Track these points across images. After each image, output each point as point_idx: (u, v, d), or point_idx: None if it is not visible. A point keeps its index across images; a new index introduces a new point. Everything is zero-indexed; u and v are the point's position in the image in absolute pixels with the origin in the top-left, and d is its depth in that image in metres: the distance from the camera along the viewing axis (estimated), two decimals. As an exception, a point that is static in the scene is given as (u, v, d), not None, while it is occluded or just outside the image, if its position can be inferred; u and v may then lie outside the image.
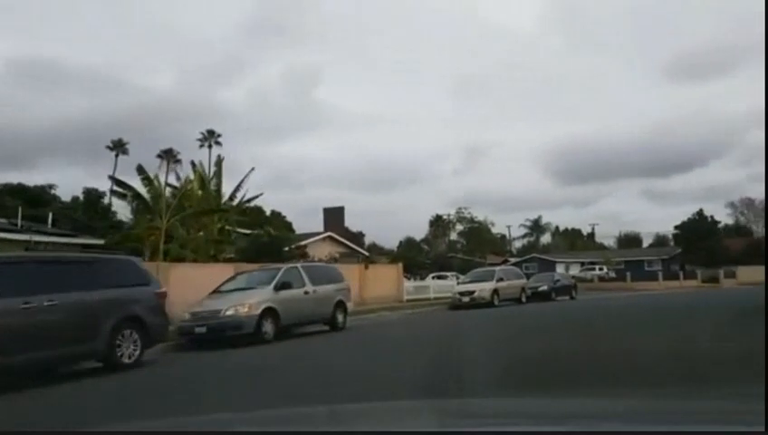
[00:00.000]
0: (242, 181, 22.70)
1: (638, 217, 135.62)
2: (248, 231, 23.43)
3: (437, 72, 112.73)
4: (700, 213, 59.80)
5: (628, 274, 50.17)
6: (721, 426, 1.67)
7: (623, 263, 60.55)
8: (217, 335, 11.62)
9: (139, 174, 21.04)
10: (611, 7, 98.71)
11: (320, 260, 25.93)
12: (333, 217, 36.90)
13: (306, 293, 13.39)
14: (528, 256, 64.25)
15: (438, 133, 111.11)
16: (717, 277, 49.72)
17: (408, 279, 40.42)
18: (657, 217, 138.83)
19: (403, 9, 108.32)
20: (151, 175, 21.41)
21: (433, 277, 41.44)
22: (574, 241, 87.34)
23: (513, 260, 66.37)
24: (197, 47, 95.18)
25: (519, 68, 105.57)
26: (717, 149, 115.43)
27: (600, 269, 55.94)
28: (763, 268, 55.97)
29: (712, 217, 60.33)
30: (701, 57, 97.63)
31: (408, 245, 75.38)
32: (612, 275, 54.90)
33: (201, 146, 63.48)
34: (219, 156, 23.15)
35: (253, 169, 22.44)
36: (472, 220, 55.83)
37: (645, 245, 78.24)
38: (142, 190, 20.99)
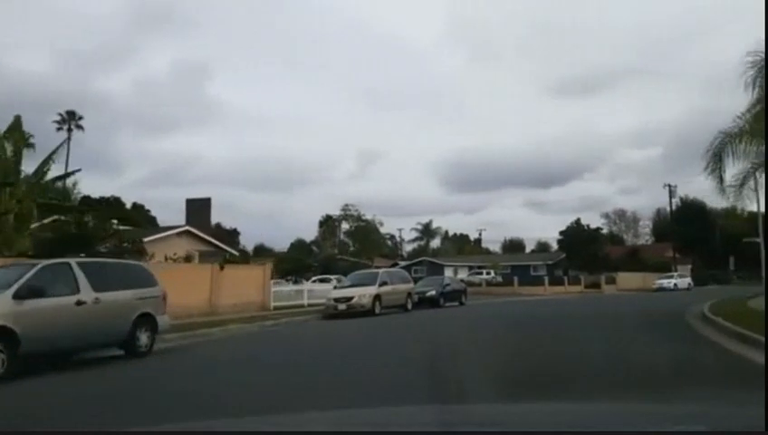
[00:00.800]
0: (53, 154, 17.34)
1: (520, 225, 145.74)
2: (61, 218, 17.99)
3: (336, 78, 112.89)
4: (578, 222, 61.23)
5: (516, 278, 49.16)
6: (721, 427, 1.68)
7: (509, 267, 60.15)
8: None
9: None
10: (504, 27, 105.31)
11: (168, 260, 21.00)
12: (197, 209, 31.61)
13: (81, 303, 8.84)
14: (418, 260, 62.16)
15: (334, 137, 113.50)
16: (600, 283, 50.14)
17: (290, 283, 36.26)
18: (537, 225, 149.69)
19: (303, 13, 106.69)
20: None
21: (314, 281, 37.47)
22: (462, 246, 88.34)
23: (403, 264, 64.06)
24: (76, 29, 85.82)
25: (416, 78, 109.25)
26: (591, 164, 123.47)
27: (488, 274, 54.82)
28: (637, 275, 58.22)
29: (588, 225, 62.05)
30: (578, 79, 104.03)
31: (299, 246, 71.24)
32: (499, 279, 53.95)
33: (59, 129, 54.84)
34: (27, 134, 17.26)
35: (66, 140, 17.11)
36: (359, 219, 52.08)
37: (528, 250, 79.94)
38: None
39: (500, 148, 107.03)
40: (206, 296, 19.22)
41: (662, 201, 75.74)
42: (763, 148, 15.46)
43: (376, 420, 2.21)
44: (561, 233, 55.70)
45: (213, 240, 29.94)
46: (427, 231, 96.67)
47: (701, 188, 78.27)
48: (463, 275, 57.69)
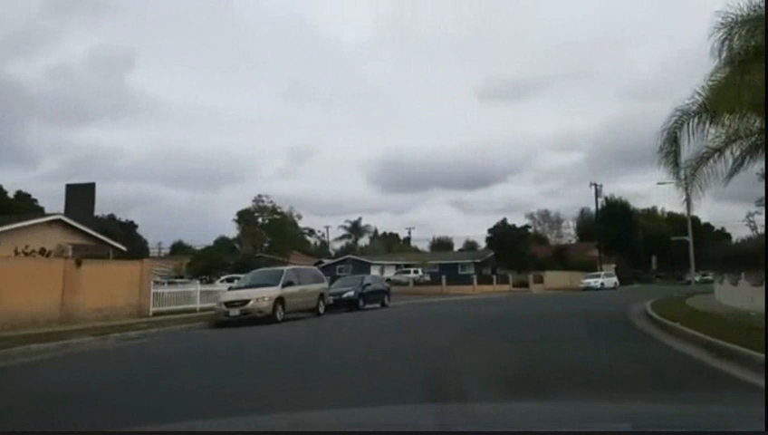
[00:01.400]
0: None
1: (448, 225, 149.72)
2: None
3: (265, 74, 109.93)
4: (504, 221, 60.09)
5: (444, 277, 46.96)
6: (721, 427, 1.66)
7: (437, 266, 58.11)
8: None
9: None
10: (433, 29, 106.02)
11: (20, 253, 16.73)
12: (78, 196, 26.94)
13: None
14: (342, 258, 58.98)
15: (264, 134, 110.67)
16: (527, 282, 48.86)
17: (203, 283, 32.09)
18: (464, 225, 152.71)
19: (233, 5, 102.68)
20: None
21: (222, 280, 33.49)
22: (391, 245, 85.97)
23: (327, 262, 60.66)
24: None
25: (346, 76, 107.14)
26: (516, 166, 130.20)
27: (416, 272, 52.44)
28: (563, 274, 57.84)
29: (515, 224, 61.02)
30: (505, 83, 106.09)
31: (221, 244, 66.24)
32: (427, 278, 51.69)
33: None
34: None
35: None
36: (273, 211, 47.59)
37: (456, 250, 78.64)
38: None
39: (429, 149, 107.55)
40: (57, 299, 15.16)
41: (585, 203, 77.78)
42: (725, 128, 13.49)
43: (373, 420, 2.16)
44: (490, 231, 54.30)
45: (93, 232, 25.39)
46: (355, 229, 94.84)
47: (621, 190, 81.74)
48: (389, 273, 55.13)
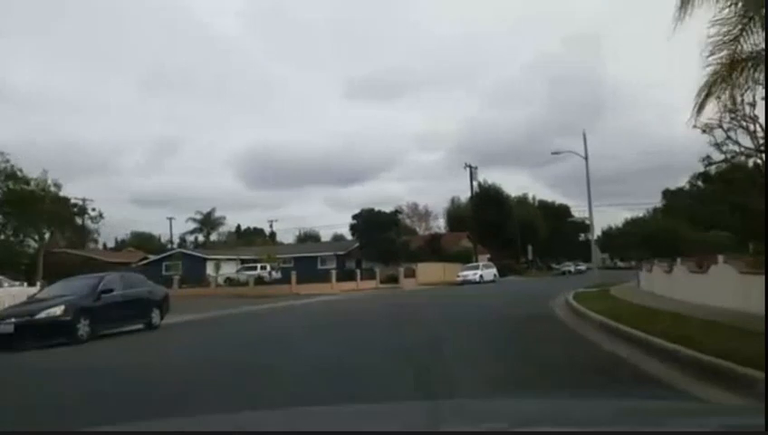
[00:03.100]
0: None
1: (320, 222, 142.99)
2: None
3: (125, 62, 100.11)
4: (371, 209, 52.00)
5: (294, 273, 37.37)
6: (721, 427, 1.64)
7: (293, 260, 48.44)
8: None
9: None
10: (305, 21, 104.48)
11: None
12: None
13: None
14: (169, 252, 47.14)
15: (124, 125, 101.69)
16: (397, 276, 40.92)
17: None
18: (336, 222, 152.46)
19: None
20: None
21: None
22: (254, 239, 76.90)
23: (153, 257, 48.40)
24: None
25: (216, 68, 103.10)
26: (386, 164, 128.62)
27: (263, 268, 42.26)
28: (437, 266, 51.00)
29: (381, 210, 53.14)
30: (374, 83, 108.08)
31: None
32: (277, 275, 41.80)
33: None
34: None
35: None
36: (12, 176, 31.50)
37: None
38: None
39: (301, 145, 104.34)
40: None
41: (455, 196, 74.47)
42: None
43: (363, 416, 2.10)
44: (355, 217, 45.60)
45: None
46: (207, 221, 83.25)
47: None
48: (230, 270, 44.44)
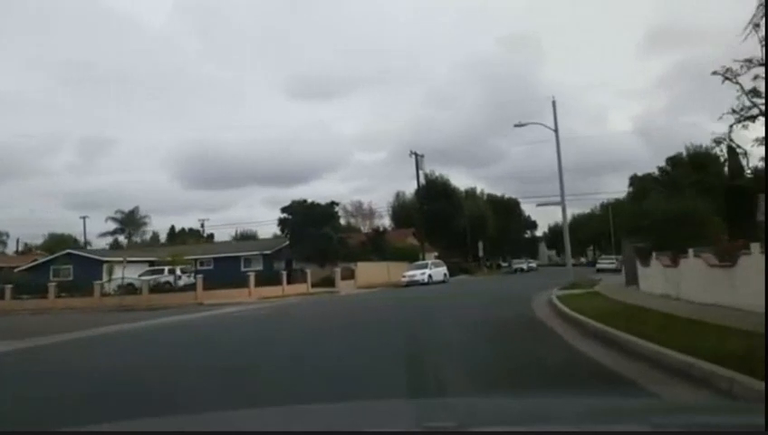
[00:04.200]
0: None
1: (261, 224, 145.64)
2: None
3: (47, 56, 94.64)
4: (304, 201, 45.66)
5: (200, 278, 30.61)
6: (721, 427, 1.61)
7: (212, 262, 41.50)
8: None
9: None
10: (240, 18, 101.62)
11: None
12: None
13: None
14: (54, 255, 39.17)
15: (50, 124, 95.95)
16: (334, 279, 34.77)
17: None
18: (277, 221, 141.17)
19: None
20: None
21: None
22: (186, 240, 70.73)
23: (41, 260, 40.33)
24: None
25: (148, 65, 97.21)
26: (330, 165, 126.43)
27: (171, 272, 35.12)
28: (380, 265, 45.14)
29: (314, 201, 46.85)
30: (315, 82, 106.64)
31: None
32: (189, 280, 34.78)
33: None
34: None
35: None
36: None
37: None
38: None
39: (242, 146, 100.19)
40: None
41: (400, 190, 70.40)
42: None
43: (355, 415, 2.04)
44: (285, 210, 38.90)
45: None
46: (130, 221, 75.93)
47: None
48: (132, 274, 36.93)
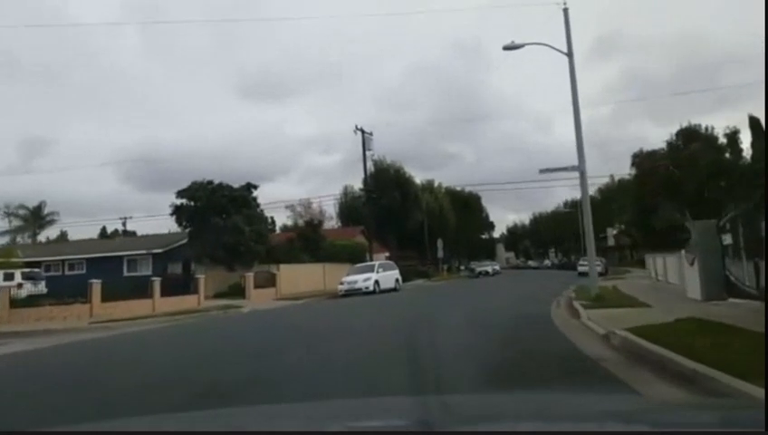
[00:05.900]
0: None
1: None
2: None
3: None
4: (210, 182, 35.76)
5: (43, 284, 20.41)
6: (721, 426, 1.58)
7: (84, 263, 30.99)
8: None
9: None
10: (187, 14, 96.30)
11: None
12: None
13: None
14: None
15: None
16: (244, 288, 25.01)
17: None
18: None
19: None
20: None
21: None
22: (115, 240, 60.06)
23: None
24: None
25: (90, 61, 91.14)
26: (283, 167, 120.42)
27: (8, 278, 24.56)
28: (315, 267, 35.28)
29: (225, 183, 37.15)
30: (263, 83, 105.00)
31: None
32: (37, 288, 24.26)
33: None
34: None
35: None
36: None
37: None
38: None
39: (192, 148, 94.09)
40: None
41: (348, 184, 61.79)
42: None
43: (353, 413, 2.01)
44: (181, 193, 28.49)
45: None
46: (36, 217, 65.21)
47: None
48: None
